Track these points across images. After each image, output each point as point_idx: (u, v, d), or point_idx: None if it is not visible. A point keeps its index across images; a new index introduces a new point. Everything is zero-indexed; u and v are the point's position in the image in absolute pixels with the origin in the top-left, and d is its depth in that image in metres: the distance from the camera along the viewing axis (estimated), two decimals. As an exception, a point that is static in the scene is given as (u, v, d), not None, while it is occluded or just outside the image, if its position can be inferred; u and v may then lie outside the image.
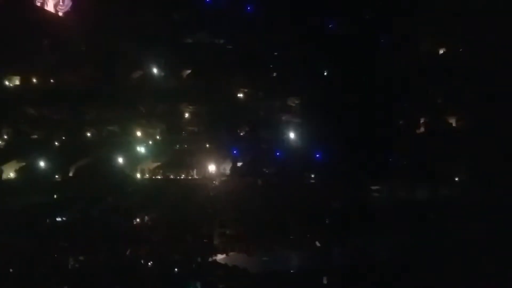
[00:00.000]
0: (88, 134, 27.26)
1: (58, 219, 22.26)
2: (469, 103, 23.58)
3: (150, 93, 27.15)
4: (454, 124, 24.55)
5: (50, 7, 26.07)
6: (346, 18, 25.92)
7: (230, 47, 27.47)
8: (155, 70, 27.31)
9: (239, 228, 21.23)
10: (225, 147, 26.50)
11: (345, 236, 20.17)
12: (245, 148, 26.53)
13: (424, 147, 23.22)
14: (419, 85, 24.44)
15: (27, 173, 25.32)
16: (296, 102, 26.93)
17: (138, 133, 27.47)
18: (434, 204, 21.04)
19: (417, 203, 21.65)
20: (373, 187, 23.62)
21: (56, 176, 25.82)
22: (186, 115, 28.01)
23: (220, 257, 18.88)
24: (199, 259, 18.59)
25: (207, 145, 26.85)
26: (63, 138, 26.70)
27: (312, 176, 25.28)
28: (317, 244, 20.54)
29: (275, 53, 26.96)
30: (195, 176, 26.86)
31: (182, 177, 27.02)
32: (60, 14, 26.14)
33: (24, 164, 25.73)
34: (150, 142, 27.72)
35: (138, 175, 27.11)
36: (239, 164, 26.52)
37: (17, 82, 26.81)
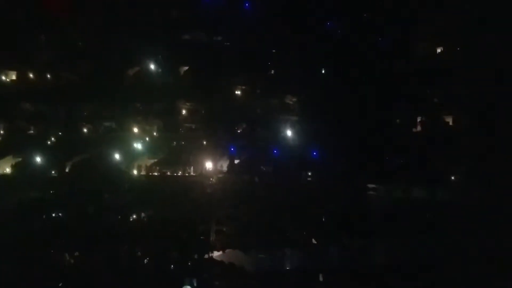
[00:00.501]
0: (85, 130, 27.14)
1: (54, 215, 22.16)
2: (467, 102, 23.66)
3: (147, 90, 27.04)
4: (451, 124, 24.63)
5: None
6: (344, 17, 25.89)
7: (227, 44, 27.38)
8: (152, 67, 27.19)
9: (236, 226, 21.22)
10: (222, 145, 26.47)
11: (342, 235, 20.20)
12: (242, 146, 26.50)
13: (421, 147, 23.27)
14: (416, 85, 24.48)
15: (23, 168, 25.18)
16: (294, 100, 26.92)
17: (135, 130, 27.37)
18: (431, 204, 21.11)
19: (414, 203, 21.71)
20: (370, 186, 23.67)
21: (52, 172, 25.71)
22: (183, 112, 27.93)
23: (216, 254, 18.87)
24: (195, 256, 18.56)
25: (204, 142, 26.80)
26: (60, 133, 26.57)
27: (309, 174, 25.31)
28: (314, 242, 20.55)
29: (273, 51, 26.91)
30: (192, 173, 26.83)
31: (178, 174, 26.98)
32: None
33: (20, 159, 25.59)
34: (147, 139, 27.63)
35: (135, 172, 27.04)
36: (236, 161, 26.50)
37: (14, 77, 26.64)
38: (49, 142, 26.50)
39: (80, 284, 12.40)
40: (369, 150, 23.19)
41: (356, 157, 23.19)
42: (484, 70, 20.92)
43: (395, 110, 24.99)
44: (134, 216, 22.73)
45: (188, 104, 27.67)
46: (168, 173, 27.41)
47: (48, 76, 26.50)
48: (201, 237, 20.52)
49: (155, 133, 28.29)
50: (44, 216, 21.60)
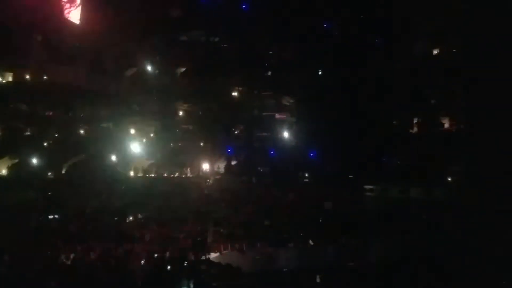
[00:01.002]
0: (82, 131, 27.13)
1: (51, 216, 22.13)
2: (463, 104, 23.74)
3: (144, 91, 27.06)
4: (447, 125, 24.70)
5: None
6: (341, 17, 25.97)
7: (225, 45, 27.43)
8: (149, 68, 27.22)
9: (233, 227, 21.23)
10: (220, 146, 26.50)
11: (339, 235, 20.23)
12: (239, 147, 26.56)
13: (417, 148, 23.34)
14: (413, 86, 24.56)
15: (20, 170, 25.15)
16: (291, 101, 27.00)
17: (132, 131, 27.38)
18: (427, 205, 21.16)
19: (411, 204, 21.76)
20: (367, 187, 23.71)
21: (49, 173, 25.68)
22: (181, 113, 27.96)
23: (213, 255, 18.86)
24: (192, 257, 18.54)
25: (202, 143, 26.84)
26: (56, 135, 26.55)
27: (306, 175, 25.36)
28: (311, 243, 20.58)
29: (270, 52, 26.99)
30: (189, 174, 26.85)
31: (176, 175, 27.00)
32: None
33: (16, 161, 25.55)
34: (144, 140, 27.64)
35: (132, 173, 27.04)
36: (234, 162, 26.54)
37: (10, 78, 26.62)
38: (46, 144, 26.49)
39: (77, 284, 12.40)
40: (366, 150, 23.24)
41: (353, 157, 23.23)
42: (482, 70, 20.98)
43: (393, 111, 25.06)
44: (131, 217, 22.70)
45: (185, 105, 27.72)
46: (166, 174, 27.44)
47: (45, 77, 26.52)
48: (198, 238, 20.52)
49: (152, 134, 28.34)
50: (41, 217, 21.55)
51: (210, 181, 25.82)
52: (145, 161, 27.44)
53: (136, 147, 27.17)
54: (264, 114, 27.15)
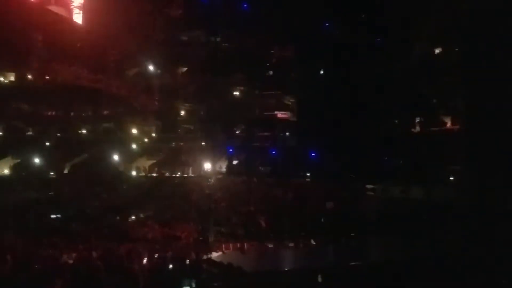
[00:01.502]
0: (84, 131, 27.20)
1: (53, 216, 22.19)
2: (464, 103, 23.69)
3: (145, 91, 27.12)
4: (449, 124, 24.69)
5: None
6: (342, 17, 25.97)
7: (226, 45, 27.47)
8: (150, 68, 27.27)
9: (235, 226, 21.26)
10: (221, 145, 26.54)
11: (340, 235, 20.24)
12: (240, 146, 26.59)
13: (419, 147, 23.32)
14: (414, 85, 24.54)
15: (22, 169, 25.23)
16: (292, 101, 27.04)
17: (134, 131, 27.44)
18: (428, 204, 21.14)
19: (412, 203, 21.75)
20: (368, 187, 23.71)
21: (51, 173, 25.75)
22: (182, 112, 28.02)
23: (215, 255, 18.89)
24: (194, 257, 18.57)
25: (203, 143, 26.88)
26: (58, 135, 26.63)
27: (308, 174, 25.37)
28: (312, 242, 20.59)
29: (272, 52, 27.03)
30: (191, 174, 26.89)
31: (177, 175, 27.05)
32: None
33: (18, 160, 25.63)
34: (146, 140, 27.71)
35: (134, 173, 27.10)
36: (235, 162, 26.58)
37: (12, 79, 26.71)
38: (48, 143, 26.56)
39: (79, 283, 12.43)
40: (367, 150, 23.25)
41: (354, 157, 23.24)
42: (483, 70, 20.94)
43: (394, 110, 25.06)
44: (133, 217, 22.75)
45: (186, 105, 27.78)
46: (167, 174, 27.49)
47: (47, 77, 26.60)
48: (200, 238, 20.56)
49: (153, 134, 28.39)
50: (43, 217, 21.61)
51: (212, 180, 25.84)
52: (147, 161, 27.51)
53: (138, 147, 27.23)
54: (265, 113, 27.19)
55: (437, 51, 25.70)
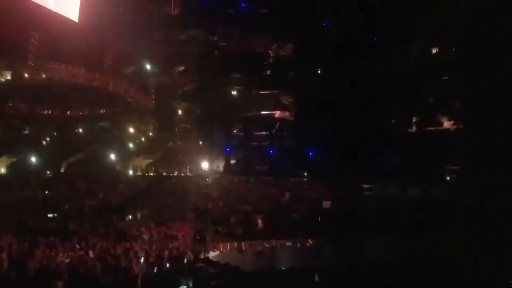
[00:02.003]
0: (80, 130, 27.12)
1: (49, 215, 22.11)
2: (461, 102, 23.76)
3: (142, 90, 27.06)
4: (446, 124, 24.73)
5: None
6: (339, 16, 25.97)
7: (223, 44, 27.43)
8: (148, 67, 27.20)
9: (232, 225, 21.24)
10: (218, 144, 26.50)
11: (337, 234, 20.24)
12: (238, 146, 26.56)
13: (416, 146, 23.34)
14: (411, 85, 24.56)
15: (18, 168, 25.15)
16: (289, 100, 27.02)
17: (131, 130, 27.37)
18: (425, 204, 21.17)
19: (409, 202, 21.77)
20: (366, 186, 23.71)
21: (48, 172, 25.67)
22: (179, 112, 27.96)
23: (212, 254, 18.86)
24: (191, 256, 18.53)
25: (200, 142, 26.83)
26: (55, 134, 26.54)
27: (305, 174, 25.36)
28: (309, 241, 20.60)
29: (269, 51, 27.00)
30: (188, 173, 26.86)
31: (174, 174, 27.01)
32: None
33: (15, 159, 25.55)
34: (143, 139, 27.64)
35: (130, 172, 27.03)
36: (232, 161, 26.55)
37: (9, 77, 26.58)
38: (44, 142, 26.47)
39: (76, 282, 12.35)
40: (365, 149, 23.25)
41: (352, 156, 23.23)
42: (480, 69, 20.98)
43: (391, 110, 25.07)
44: (130, 216, 22.69)
45: (183, 104, 27.72)
46: (164, 173, 27.42)
47: (43, 76, 26.48)
48: (197, 237, 20.52)
49: (150, 133, 28.31)
50: (39, 216, 21.52)
51: (209, 180, 25.81)
52: (143, 160, 27.45)
53: (134, 146, 27.17)
54: (263, 113, 27.17)
55: (434, 50, 25.72)
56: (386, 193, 22.95)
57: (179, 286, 13.66)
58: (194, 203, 23.23)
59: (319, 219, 21.85)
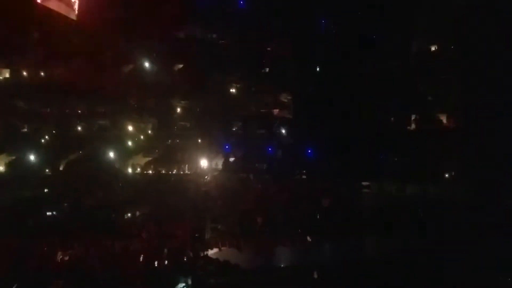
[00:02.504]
0: (79, 128, 27.05)
1: (49, 213, 22.12)
2: (460, 100, 23.79)
3: (141, 87, 26.98)
4: (444, 121, 24.76)
5: None
6: (338, 14, 25.95)
7: (222, 41, 27.37)
8: (146, 64, 27.12)
9: (231, 223, 21.28)
10: (217, 143, 26.48)
11: (336, 232, 20.30)
12: (237, 144, 26.54)
13: (414, 144, 23.40)
14: (410, 82, 24.59)
15: (17, 167, 25.08)
16: (289, 98, 26.99)
17: (130, 128, 27.32)
18: (424, 201, 21.24)
19: (407, 200, 21.85)
20: (364, 184, 23.77)
21: (47, 170, 25.62)
22: (178, 110, 27.89)
23: (211, 252, 18.92)
24: (190, 254, 18.59)
25: (199, 140, 26.79)
26: (54, 132, 26.48)
27: (304, 172, 25.38)
28: (308, 239, 20.67)
29: (268, 49, 26.94)
30: (187, 171, 26.83)
31: (173, 172, 26.98)
32: None
33: (14, 158, 25.49)
34: (142, 137, 27.58)
35: (129, 170, 27.00)
36: (231, 159, 26.53)
37: (7, 75, 26.50)
38: (43, 140, 26.42)
39: (75, 281, 12.41)
40: (363, 147, 23.28)
41: (350, 154, 23.27)
42: (479, 67, 21.02)
43: (389, 108, 25.10)
44: (129, 214, 22.71)
45: (182, 102, 27.65)
46: (163, 172, 27.41)
47: (42, 73, 26.40)
48: (196, 235, 20.57)
49: (149, 131, 28.27)
50: (38, 215, 21.54)
51: (208, 178, 25.81)
52: (142, 158, 27.41)
53: (133, 144, 27.12)
54: (261, 111, 27.14)
55: (433, 48, 25.73)
56: (384, 191, 23.02)
57: (178, 284, 13.71)
58: (193, 201, 23.25)
59: (318, 217, 21.92)
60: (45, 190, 23.89)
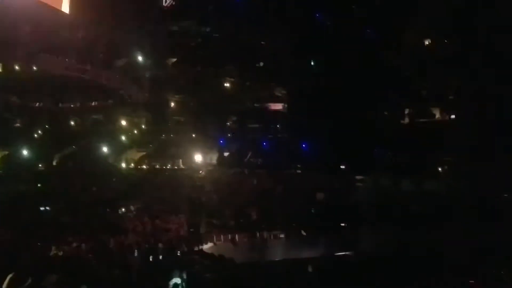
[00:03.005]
0: (72, 123, 26.92)
1: (42, 208, 22.03)
2: (454, 94, 23.86)
3: (135, 82, 26.86)
4: (438, 116, 24.84)
5: None
6: (333, 8, 25.88)
7: (217, 35, 27.23)
8: (140, 58, 26.97)
9: (226, 218, 21.29)
10: (212, 137, 26.44)
11: (330, 225, 20.38)
12: (231, 138, 26.52)
13: (409, 138, 23.45)
14: (404, 77, 24.60)
15: (10, 162, 24.96)
16: (283, 92, 26.95)
17: (123, 122, 27.20)
18: (419, 195, 21.34)
19: (402, 194, 21.93)
20: (358, 178, 23.84)
21: (40, 165, 25.52)
22: (172, 104, 27.79)
23: (206, 246, 18.93)
24: (185, 249, 18.59)
25: (194, 135, 26.74)
26: (47, 126, 26.34)
27: (298, 166, 25.41)
28: (303, 233, 20.74)
29: (263, 42, 26.85)
30: (182, 166, 26.80)
31: (168, 167, 26.95)
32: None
33: (7, 152, 25.36)
34: (136, 132, 27.49)
35: (123, 165, 26.94)
36: (226, 154, 26.51)
37: (0, 70, 26.29)
38: (36, 135, 26.28)
39: (69, 276, 12.34)
40: (357, 141, 23.31)
41: (344, 148, 23.30)
42: (473, 61, 21.05)
43: (384, 102, 25.12)
44: (123, 209, 22.66)
45: (176, 96, 27.55)
46: (158, 166, 27.36)
47: (35, 68, 26.21)
48: (191, 229, 20.56)
49: (143, 126, 28.17)
50: (31, 210, 21.44)
51: (203, 172, 25.79)
52: (136, 153, 27.34)
53: (127, 139, 27.03)
54: (256, 105, 27.09)
55: (427, 42, 25.75)
56: (378, 184, 23.09)
57: (173, 278, 13.67)
58: (187, 196, 23.23)
59: (312, 211, 21.97)
60: (39, 185, 23.80)
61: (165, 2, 26.66)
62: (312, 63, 26.28)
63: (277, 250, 19.04)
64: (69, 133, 26.41)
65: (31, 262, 13.56)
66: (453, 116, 24.05)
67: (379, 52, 24.64)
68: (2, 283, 8.96)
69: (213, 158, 26.67)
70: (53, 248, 16.78)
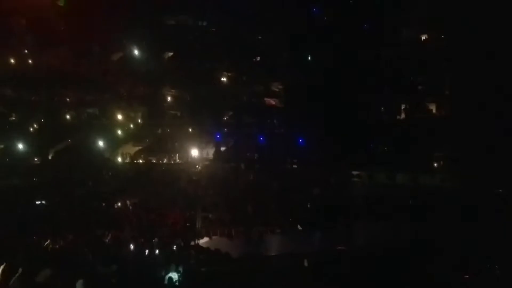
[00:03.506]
0: (68, 117, 26.80)
1: (37, 202, 21.97)
2: (450, 90, 23.89)
3: (131, 76, 26.73)
4: (434, 111, 24.88)
5: None
6: (330, 3, 25.81)
7: (213, 29, 27.12)
8: (136, 52, 26.82)
9: (222, 212, 21.30)
10: (208, 132, 26.40)
11: (326, 220, 20.42)
12: (228, 133, 26.49)
13: (404, 134, 23.50)
14: (400, 72, 24.61)
15: (5, 155, 24.84)
16: (280, 87, 26.91)
17: (119, 116, 27.10)
18: (414, 190, 21.41)
19: (397, 189, 22.00)
20: (354, 173, 23.87)
21: (35, 159, 25.41)
22: (168, 98, 27.70)
23: (202, 241, 18.96)
24: (181, 243, 18.61)
25: (190, 129, 26.68)
26: (42, 120, 26.21)
27: (295, 161, 25.43)
28: (299, 227, 20.78)
29: (259, 37, 26.76)
30: (178, 161, 26.75)
31: (164, 162, 26.89)
32: None
33: (1, 146, 25.22)
34: (131, 126, 27.40)
35: (119, 159, 26.85)
36: (222, 148, 26.47)
37: (-6, 63, 26.08)
38: (31, 129, 26.15)
39: (64, 270, 12.34)
40: (353, 136, 23.34)
41: (340, 143, 23.32)
42: (469, 56, 21.07)
43: (380, 97, 25.13)
44: (119, 204, 22.63)
45: (173, 90, 27.46)
46: (154, 161, 27.31)
47: (30, 61, 26.03)
48: (187, 224, 20.58)
49: (139, 120, 28.08)
50: (27, 204, 21.38)
51: (199, 167, 25.76)
52: (132, 147, 27.26)
53: (123, 133, 26.94)
54: (253, 100, 27.05)
55: (424, 37, 25.74)
56: (374, 180, 23.14)
57: (169, 272, 13.68)
58: (183, 190, 23.23)
59: (309, 206, 22.00)
60: (34, 179, 23.71)
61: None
62: (309, 58, 26.23)
63: (273, 245, 19.07)
64: (64, 127, 26.28)
65: (25, 255, 13.53)
66: (448, 112, 24.08)
67: (375, 47, 24.62)
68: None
69: (210, 152, 26.63)
70: (48, 242, 16.75)
